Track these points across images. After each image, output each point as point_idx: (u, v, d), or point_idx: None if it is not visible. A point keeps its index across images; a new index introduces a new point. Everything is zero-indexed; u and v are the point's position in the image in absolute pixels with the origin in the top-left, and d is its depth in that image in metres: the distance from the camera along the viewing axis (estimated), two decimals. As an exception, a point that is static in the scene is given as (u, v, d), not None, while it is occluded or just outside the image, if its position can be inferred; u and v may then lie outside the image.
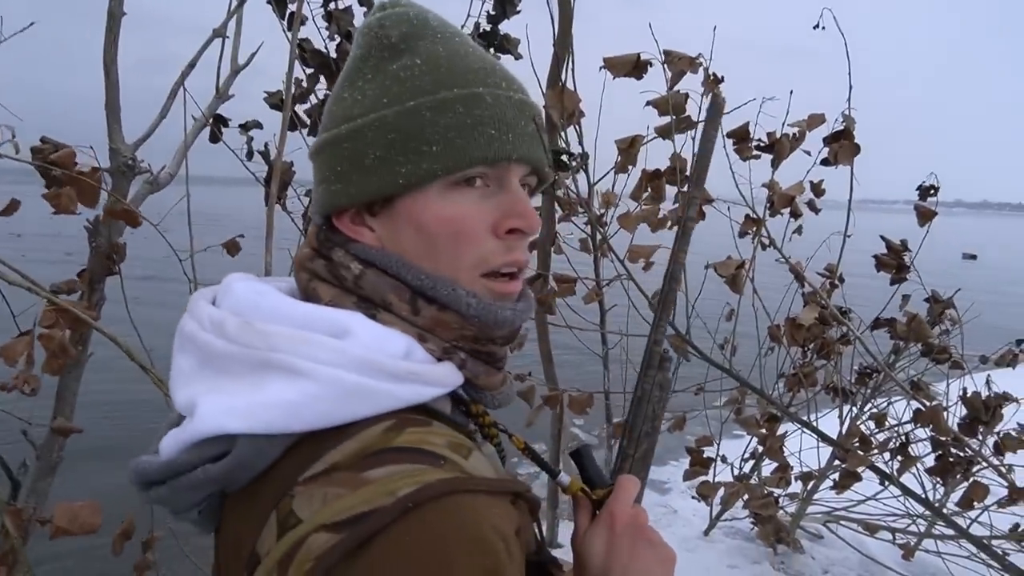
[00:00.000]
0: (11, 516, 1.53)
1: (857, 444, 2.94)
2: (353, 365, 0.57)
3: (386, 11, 0.70)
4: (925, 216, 2.83)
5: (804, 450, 3.39)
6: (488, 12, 2.59)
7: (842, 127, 2.43)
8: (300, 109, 2.29)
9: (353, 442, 0.55)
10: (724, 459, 3.42)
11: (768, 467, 3.43)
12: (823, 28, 2.74)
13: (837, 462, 3.36)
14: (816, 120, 2.46)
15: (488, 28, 2.61)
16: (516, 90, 0.69)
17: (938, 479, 2.88)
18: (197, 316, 0.64)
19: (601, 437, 4.69)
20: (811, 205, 2.68)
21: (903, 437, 2.96)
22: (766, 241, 2.78)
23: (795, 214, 2.61)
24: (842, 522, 3.78)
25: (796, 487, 3.58)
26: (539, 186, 0.74)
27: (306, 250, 0.71)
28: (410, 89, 0.65)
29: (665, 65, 2.60)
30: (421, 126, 0.64)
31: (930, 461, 2.85)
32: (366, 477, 0.52)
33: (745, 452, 3.51)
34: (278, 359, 0.57)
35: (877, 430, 3.15)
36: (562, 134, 2.75)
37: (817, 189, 2.66)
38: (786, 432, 3.10)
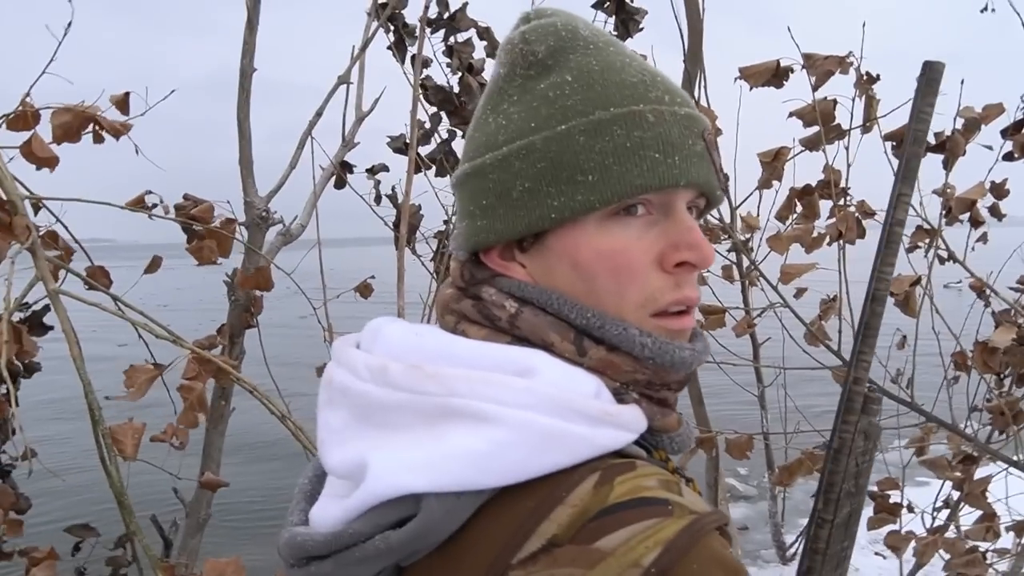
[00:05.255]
0: (164, 572, 1.51)
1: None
2: (545, 406, 0.51)
3: (531, 23, 0.63)
4: None
5: (1011, 496, 2.90)
6: (611, 33, 2.50)
7: (1026, 115, 2.09)
8: (423, 151, 2.26)
9: (565, 508, 0.48)
10: (911, 508, 2.99)
11: (966, 516, 2.95)
12: (993, 10, 2.45)
13: (1057, 510, 2.84)
14: (994, 111, 2.14)
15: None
16: (681, 103, 0.61)
17: None
18: (348, 365, 0.57)
19: (760, 488, 4.29)
20: (994, 210, 2.31)
21: None
22: (943, 254, 2.44)
23: (975, 221, 2.26)
24: (1068, 583, 3.18)
25: (1006, 540, 3.06)
26: (707, 208, 0.66)
27: (450, 290, 0.65)
28: (560, 110, 0.59)
29: (807, 70, 2.39)
30: (575, 152, 0.57)
31: None
32: (599, 549, 0.46)
33: (936, 500, 3.05)
34: (458, 404, 0.51)
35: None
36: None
37: (1000, 190, 2.30)
38: (990, 476, 2.65)
